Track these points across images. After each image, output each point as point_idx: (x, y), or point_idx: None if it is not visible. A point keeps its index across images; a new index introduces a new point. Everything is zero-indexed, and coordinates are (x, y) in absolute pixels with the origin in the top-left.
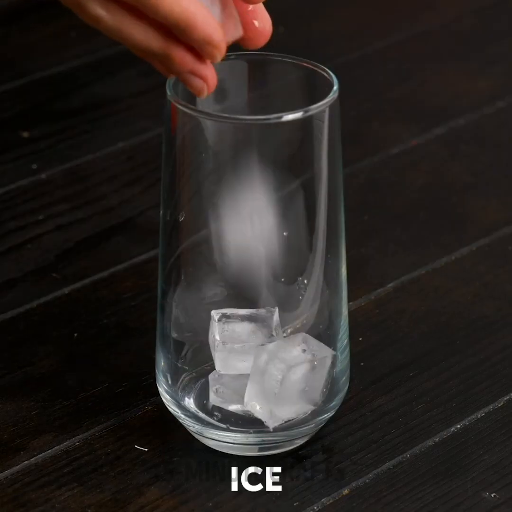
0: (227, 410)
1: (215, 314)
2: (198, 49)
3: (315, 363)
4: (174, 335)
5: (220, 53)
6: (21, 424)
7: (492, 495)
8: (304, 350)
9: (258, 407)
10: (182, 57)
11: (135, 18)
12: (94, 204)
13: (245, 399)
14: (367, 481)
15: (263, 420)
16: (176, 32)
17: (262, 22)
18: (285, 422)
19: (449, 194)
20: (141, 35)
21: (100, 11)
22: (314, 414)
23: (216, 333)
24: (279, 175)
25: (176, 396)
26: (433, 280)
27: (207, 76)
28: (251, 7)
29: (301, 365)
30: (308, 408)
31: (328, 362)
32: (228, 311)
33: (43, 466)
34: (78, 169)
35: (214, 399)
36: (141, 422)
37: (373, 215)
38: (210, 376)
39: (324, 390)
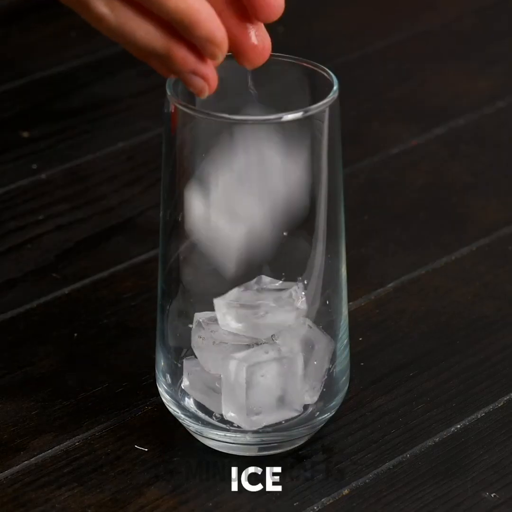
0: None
1: (199, 316)
2: (200, 47)
3: (284, 361)
4: (171, 342)
5: (222, 52)
6: (21, 424)
7: (492, 495)
8: (266, 352)
9: (235, 418)
10: (184, 56)
11: (138, 16)
12: (94, 204)
13: (223, 411)
14: (367, 481)
15: (245, 427)
16: (179, 28)
17: (262, 41)
18: (265, 426)
19: (449, 194)
20: (143, 33)
21: (104, 9)
22: (314, 414)
23: (202, 333)
24: (279, 175)
25: (176, 396)
26: (433, 280)
27: (208, 75)
28: (251, 27)
29: (267, 366)
30: (290, 414)
31: (299, 361)
32: (212, 314)
33: (43, 466)
34: (78, 169)
35: (185, 384)
36: (141, 422)
37: (373, 215)
38: (185, 361)
39: (310, 389)
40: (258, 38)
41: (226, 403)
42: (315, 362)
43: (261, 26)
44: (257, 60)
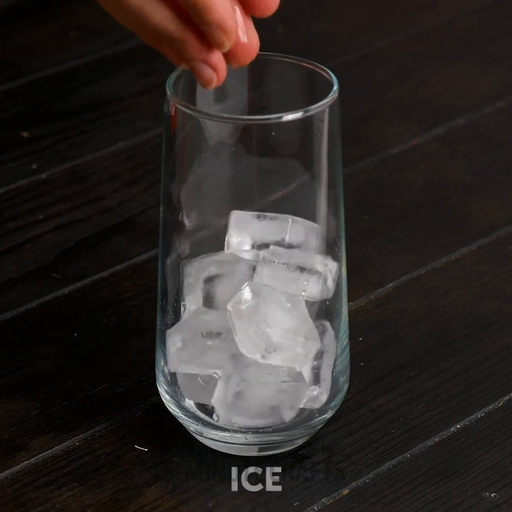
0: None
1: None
2: (208, 34)
3: (284, 387)
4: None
5: (230, 41)
6: (21, 424)
7: (492, 495)
8: (271, 374)
9: (218, 409)
10: (197, 43)
11: None
12: (94, 204)
13: (214, 396)
14: (367, 481)
15: (220, 420)
16: (192, 11)
17: (250, 39)
18: (246, 428)
19: (449, 194)
20: (161, 15)
21: None
22: (314, 414)
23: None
24: (279, 175)
25: (176, 396)
26: (433, 280)
27: (218, 66)
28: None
29: (266, 386)
30: (273, 422)
31: (303, 390)
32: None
33: (43, 466)
34: (78, 169)
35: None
36: (141, 422)
37: (373, 215)
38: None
39: (301, 407)
40: (247, 36)
41: (217, 394)
42: (317, 364)
43: (251, 24)
44: (244, 59)
